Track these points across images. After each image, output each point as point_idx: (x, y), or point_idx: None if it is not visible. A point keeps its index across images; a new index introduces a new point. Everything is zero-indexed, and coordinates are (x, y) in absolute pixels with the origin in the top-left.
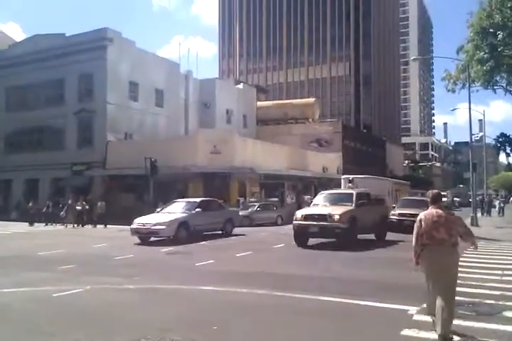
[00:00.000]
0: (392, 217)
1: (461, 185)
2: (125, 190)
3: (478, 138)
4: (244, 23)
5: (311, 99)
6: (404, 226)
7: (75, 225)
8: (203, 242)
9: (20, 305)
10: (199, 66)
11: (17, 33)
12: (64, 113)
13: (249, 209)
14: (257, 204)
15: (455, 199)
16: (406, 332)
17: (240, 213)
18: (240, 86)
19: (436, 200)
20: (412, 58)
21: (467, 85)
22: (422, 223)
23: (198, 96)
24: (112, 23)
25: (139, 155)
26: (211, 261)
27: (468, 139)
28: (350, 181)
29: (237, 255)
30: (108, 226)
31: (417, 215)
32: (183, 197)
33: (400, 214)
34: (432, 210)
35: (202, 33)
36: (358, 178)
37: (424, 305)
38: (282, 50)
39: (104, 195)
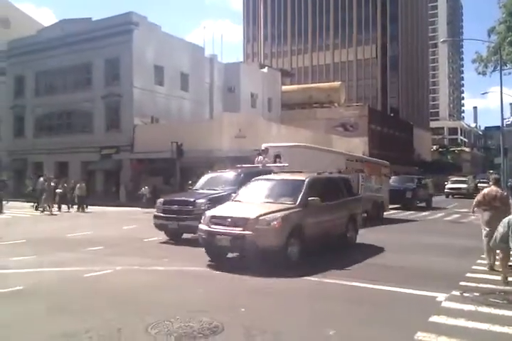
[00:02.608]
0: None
1: (491, 171)
2: (152, 174)
3: (509, 122)
4: (268, 6)
5: (337, 83)
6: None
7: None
8: None
9: (54, 284)
10: (227, 50)
11: (50, 18)
12: (92, 97)
13: None
14: None
15: (480, 185)
16: (434, 318)
17: None
18: (265, 70)
19: (496, 182)
20: (441, 40)
21: (499, 68)
22: (485, 195)
23: (223, 80)
24: (142, 7)
25: (165, 139)
26: None
27: (499, 123)
28: (277, 156)
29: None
30: (135, 208)
31: None
32: None
33: None
34: (492, 188)
35: (231, 16)
36: (284, 149)
37: (453, 292)
38: (307, 33)
39: (132, 178)
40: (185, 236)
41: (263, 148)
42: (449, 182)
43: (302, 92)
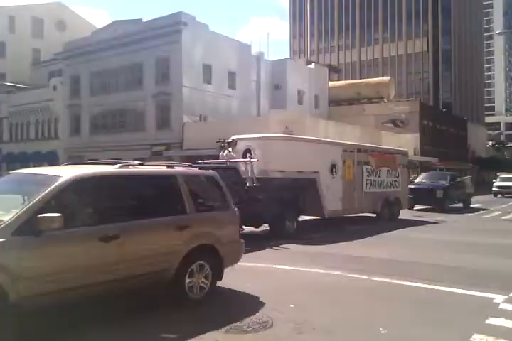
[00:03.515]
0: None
1: None
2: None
3: None
4: (315, 1)
5: (386, 78)
6: None
7: None
8: None
9: None
10: (275, 47)
11: (105, 20)
12: (143, 96)
13: None
14: None
15: None
16: (492, 320)
17: None
18: (312, 66)
19: None
20: (497, 32)
21: None
22: None
23: (270, 77)
24: (191, 6)
25: (213, 137)
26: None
27: None
28: (247, 151)
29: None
30: None
31: None
32: None
33: None
34: None
35: (279, 13)
36: (256, 142)
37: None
38: (355, 28)
39: None
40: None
41: (230, 139)
42: (498, 179)
43: (350, 88)
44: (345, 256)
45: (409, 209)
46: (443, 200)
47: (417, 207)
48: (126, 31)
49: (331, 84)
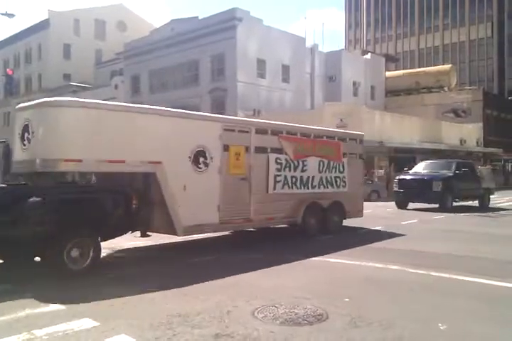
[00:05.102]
0: None
1: None
2: None
3: None
4: None
5: (447, 66)
6: None
7: None
8: None
9: (160, 268)
10: (330, 38)
11: (165, 18)
12: (199, 92)
13: None
14: None
15: None
16: None
17: None
18: (368, 56)
19: None
20: None
21: None
22: None
23: (324, 69)
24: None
25: None
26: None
27: None
28: (25, 129)
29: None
30: None
31: None
32: None
33: None
34: None
35: (336, 3)
36: (37, 112)
37: None
38: (414, 15)
39: None
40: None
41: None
42: None
43: (408, 78)
44: (402, 250)
45: (400, 208)
46: (442, 195)
47: (412, 205)
48: (182, 29)
49: (388, 74)
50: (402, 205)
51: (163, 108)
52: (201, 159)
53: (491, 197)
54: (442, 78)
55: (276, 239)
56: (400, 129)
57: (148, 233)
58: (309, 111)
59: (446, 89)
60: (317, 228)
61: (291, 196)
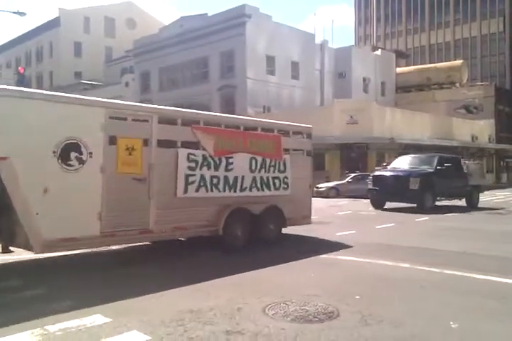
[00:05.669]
0: None
1: None
2: None
3: None
4: None
5: (458, 62)
6: None
7: None
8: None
9: (176, 264)
10: (342, 34)
11: (174, 16)
12: (209, 89)
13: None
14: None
15: None
16: None
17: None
18: (378, 52)
19: None
20: None
21: None
22: None
23: (334, 65)
24: None
25: None
26: (352, 232)
27: None
28: None
29: (377, 227)
30: None
31: None
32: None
33: None
34: None
35: (347, 0)
36: None
37: None
38: (424, 10)
39: None
40: None
41: None
42: None
43: (419, 73)
44: (413, 248)
45: (376, 208)
46: (420, 194)
47: (391, 204)
48: (191, 26)
49: (399, 70)
50: (377, 205)
51: (18, 88)
52: (73, 154)
53: (493, 193)
54: (453, 74)
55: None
56: (411, 126)
57: (12, 248)
58: (319, 107)
59: (457, 85)
60: (245, 239)
61: (210, 200)
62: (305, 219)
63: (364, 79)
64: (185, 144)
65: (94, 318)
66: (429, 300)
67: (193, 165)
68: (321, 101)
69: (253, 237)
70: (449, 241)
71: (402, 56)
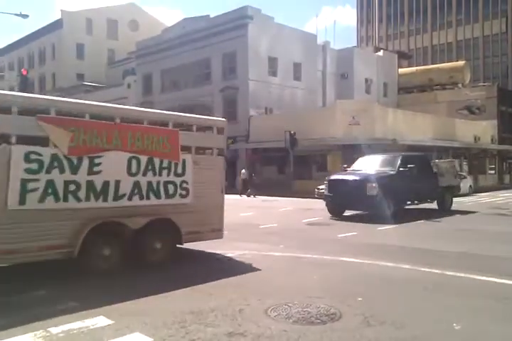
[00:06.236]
0: None
1: None
2: (267, 163)
3: None
4: None
5: (461, 62)
6: None
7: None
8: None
9: (181, 266)
10: (343, 35)
11: (178, 19)
12: (211, 91)
13: None
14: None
15: None
16: None
17: None
18: (380, 53)
19: None
20: None
21: None
22: None
23: (336, 66)
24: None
25: (279, 129)
26: (354, 233)
27: None
28: None
29: (379, 228)
30: (251, 196)
31: None
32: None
33: None
34: None
35: (350, 1)
36: None
37: None
38: (426, 11)
39: (247, 167)
40: (304, 220)
41: None
42: None
43: (421, 74)
44: (414, 249)
45: (334, 216)
46: (379, 201)
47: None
48: (194, 28)
49: (401, 71)
50: (335, 212)
51: None
52: None
53: (495, 194)
54: (456, 75)
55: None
56: (413, 127)
57: None
58: (321, 108)
59: (459, 85)
60: (115, 261)
61: (63, 213)
62: (214, 232)
63: (366, 80)
64: (25, 139)
65: (96, 320)
66: (431, 302)
67: (34, 167)
68: (323, 102)
69: (132, 259)
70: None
71: (404, 57)
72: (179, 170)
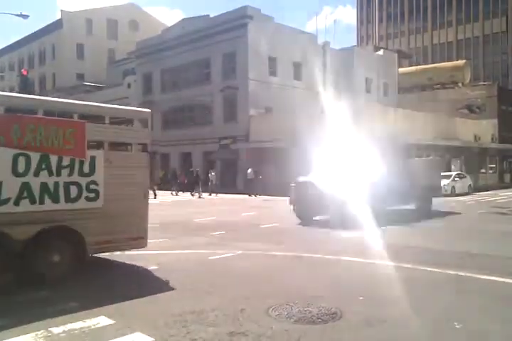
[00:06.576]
0: None
1: None
2: (266, 162)
3: None
4: None
5: (461, 62)
6: None
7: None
8: None
9: (182, 265)
10: (345, 35)
11: (178, 19)
12: (211, 91)
13: None
14: None
15: None
16: None
17: None
18: (380, 52)
19: None
20: None
21: None
22: None
23: (336, 66)
24: None
25: (278, 129)
26: (358, 233)
27: None
28: None
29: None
30: (253, 195)
31: None
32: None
33: None
34: None
35: (350, 1)
36: None
37: None
38: (427, 10)
39: (247, 166)
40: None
41: None
42: None
43: (422, 74)
44: (415, 248)
45: (302, 220)
46: (340, 208)
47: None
48: (193, 28)
49: (401, 70)
50: (302, 217)
51: None
52: None
53: (496, 193)
54: (456, 74)
55: None
56: (414, 126)
57: None
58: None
59: (460, 85)
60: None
61: None
62: (135, 241)
63: (366, 80)
64: None
65: (98, 320)
66: (432, 301)
67: None
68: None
69: (21, 276)
70: None
71: (404, 56)
72: (86, 169)
